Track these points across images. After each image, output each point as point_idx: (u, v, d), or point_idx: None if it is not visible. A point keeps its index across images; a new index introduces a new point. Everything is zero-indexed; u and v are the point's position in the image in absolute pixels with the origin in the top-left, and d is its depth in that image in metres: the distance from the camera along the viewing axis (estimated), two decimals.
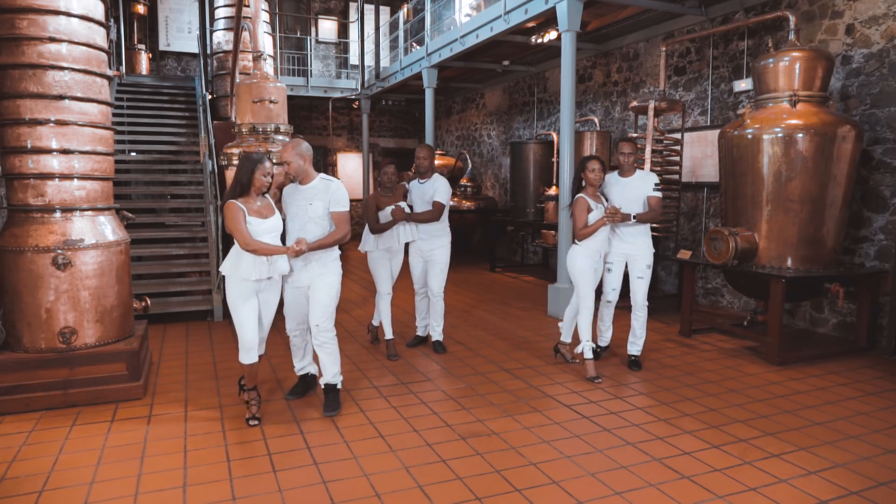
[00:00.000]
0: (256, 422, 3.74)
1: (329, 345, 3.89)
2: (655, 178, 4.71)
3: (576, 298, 4.69)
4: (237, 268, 3.56)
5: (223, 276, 3.80)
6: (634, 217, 4.53)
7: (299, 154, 3.73)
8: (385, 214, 4.91)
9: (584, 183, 4.53)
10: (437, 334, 5.39)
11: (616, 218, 4.41)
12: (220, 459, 3.28)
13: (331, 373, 3.96)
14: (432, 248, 5.12)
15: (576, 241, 4.55)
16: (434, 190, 5.04)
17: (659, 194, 4.68)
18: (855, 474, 3.15)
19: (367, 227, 5.03)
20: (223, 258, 6.67)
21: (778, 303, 5.01)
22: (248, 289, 3.60)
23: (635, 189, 4.63)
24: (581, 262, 4.53)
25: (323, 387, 4.03)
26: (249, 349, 3.70)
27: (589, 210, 4.45)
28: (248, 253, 3.52)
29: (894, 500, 2.92)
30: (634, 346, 4.89)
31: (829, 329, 6.02)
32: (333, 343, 3.91)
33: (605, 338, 5.07)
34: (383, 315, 5.18)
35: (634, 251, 4.68)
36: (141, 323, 4.83)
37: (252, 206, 3.58)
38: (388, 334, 5.21)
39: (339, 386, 4.03)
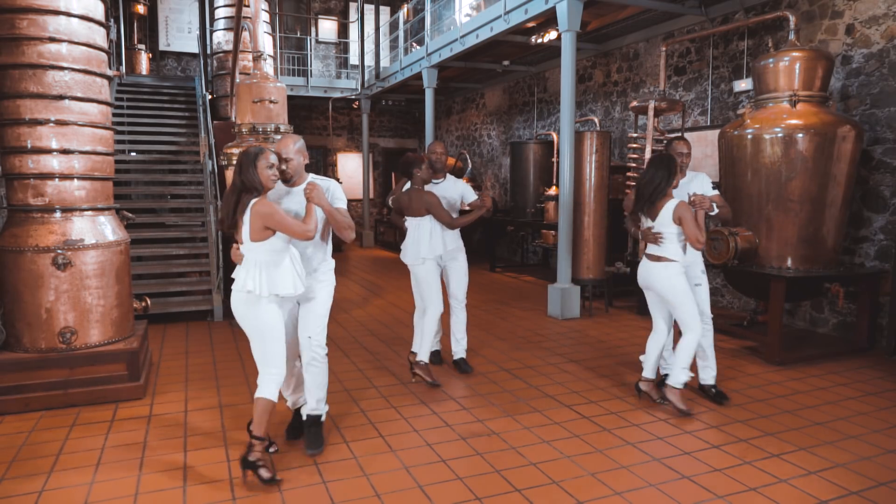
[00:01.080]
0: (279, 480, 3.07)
1: (318, 363, 3.35)
2: (708, 177, 4.35)
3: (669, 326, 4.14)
4: (273, 283, 3.02)
5: (225, 271, 3.41)
6: (716, 208, 4.07)
7: (300, 151, 3.28)
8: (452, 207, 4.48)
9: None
10: (461, 350, 4.88)
11: (706, 204, 3.85)
12: (220, 459, 3.28)
13: (315, 398, 3.40)
14: (453, 257, 4.73)
15: (664, 254, 3.92)
16: (460, 191, 4.71)
17: (717, 192, 4.32)
18: (855, 474, 3.15)
19: (425, 232, 4.48)
20: (223, 258, 6.68)
21: (778, 303, 5.01)
22: (279, 305, 3.13)
23: (692, 190, 4.15)
24: (683, 281, 3.91)
25: (304, 418, 3.44)
26: (281, 378, 3.16)
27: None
28: (286, 260, 3.07)
29: (894, 500, 2.91)
30: (707, 370, 4.27)
31: (829, 329, 6.01)
32: (323, 363, 3.38)
33: (712, 369, 4.27)
34: (433, 334, 4.56)
35: (690, 257, 4.15)
36: (141, 323, 4.83)
37: None
38: (427, 355, 4.55)
39: (323, 418, 3.47)
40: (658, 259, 3.95)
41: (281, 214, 3.00)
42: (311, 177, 3.35)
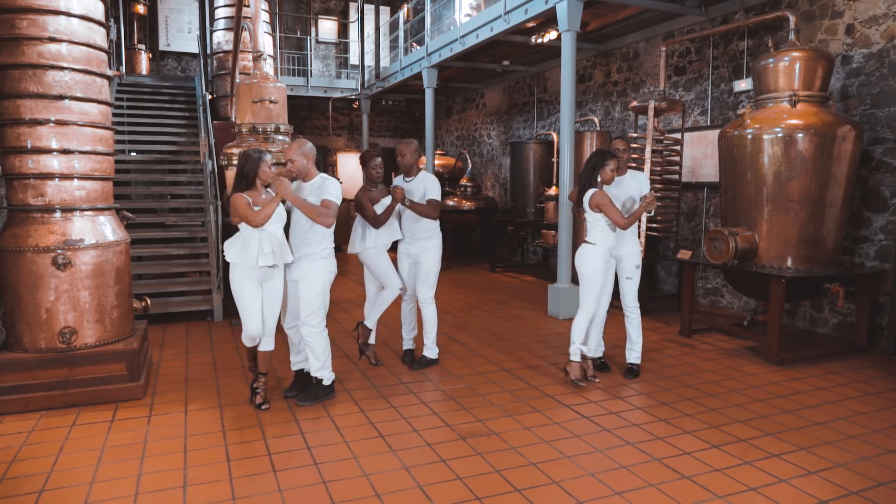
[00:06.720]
0: (267, 406, 3.99)
1: (312, 340, 3.97)
2: (646, 177, 4.74)
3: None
4: (245, 254, 3.78)
5: (224, 271, 3.88)
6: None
7: (303, 153, 3.94)
8: (382, 207, 4.66)
9: (598, 178, 4.31)
10: (427, 349, 4.94)
11: (652, 206, 4.32)
12: (220, 459, 3.28)
13: (314, 367, 4.06)
14: (420, 251, 4.74)
15: (589, 239, 4.36)
16: (424, 188, 4.67)
17: (651, 190, 4.65)
18: (855, 474, 3.15)
19: (358, 226, 4.75)
20: (223, 258, 6.68)
21: (778, 303, 5.01)
22: (253, 275, 3.83)
23: (629, 188, 4.58)
24: (596, 263, 4.32)
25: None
26: (254, 336, 3.94)
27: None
28: (255, 239, 3.75)
29: (894, 500, 2.92)
30: (633, 352, 4.71)
31: (829, 329, 6.01)
32: (317, 339, 3.98)
33: (636, 351, 4.73)
34: (382, 311, 4.85)
35: (625, 251, 4.57)
36: (141, 323, 4.83)
37: (258, 199, 3.85)
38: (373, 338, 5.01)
39: (325, 382, 4.10)
40: (585, 243, 4.42)
41: (245, 210, 3.75)
42: (321, 175, 4.00)
